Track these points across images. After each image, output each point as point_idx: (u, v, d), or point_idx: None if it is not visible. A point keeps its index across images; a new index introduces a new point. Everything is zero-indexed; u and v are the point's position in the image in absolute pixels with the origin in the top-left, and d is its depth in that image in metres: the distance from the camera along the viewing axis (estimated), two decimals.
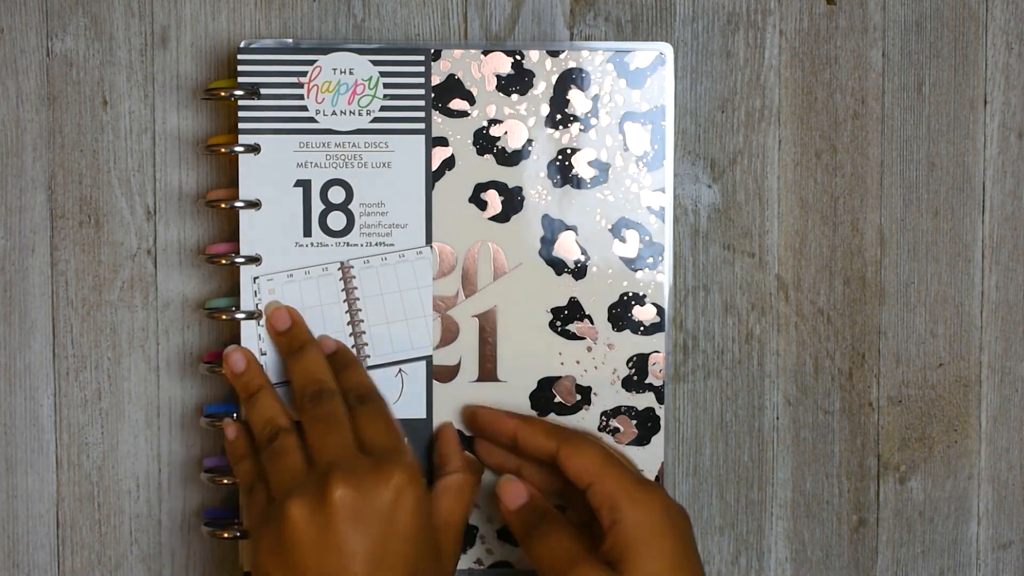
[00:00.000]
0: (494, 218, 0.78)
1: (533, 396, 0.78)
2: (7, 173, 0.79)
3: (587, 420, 0.78)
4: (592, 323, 0.78)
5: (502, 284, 0.78)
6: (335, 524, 0.68)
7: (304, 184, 0.76)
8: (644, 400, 0.78)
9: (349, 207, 0.77)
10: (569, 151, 0.78)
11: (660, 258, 0.78)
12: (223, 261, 0.76)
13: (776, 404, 0.82)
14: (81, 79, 0.79)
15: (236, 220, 0.77)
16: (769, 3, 0.81)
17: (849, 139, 0.82)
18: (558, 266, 0.78)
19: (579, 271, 0.78)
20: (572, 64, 0.77)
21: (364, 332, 0.77)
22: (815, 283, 0.82)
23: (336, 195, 0.76)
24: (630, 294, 0.78)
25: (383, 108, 0.76)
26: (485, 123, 0.77)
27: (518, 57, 0.77)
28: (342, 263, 0.77)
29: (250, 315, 0.76)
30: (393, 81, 0.76)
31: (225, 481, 0.76)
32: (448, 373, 0.78)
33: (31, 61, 0.79)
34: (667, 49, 0.77)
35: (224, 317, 0.76)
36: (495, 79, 0.77)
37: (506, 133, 0.77)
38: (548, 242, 0.78)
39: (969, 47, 0.82)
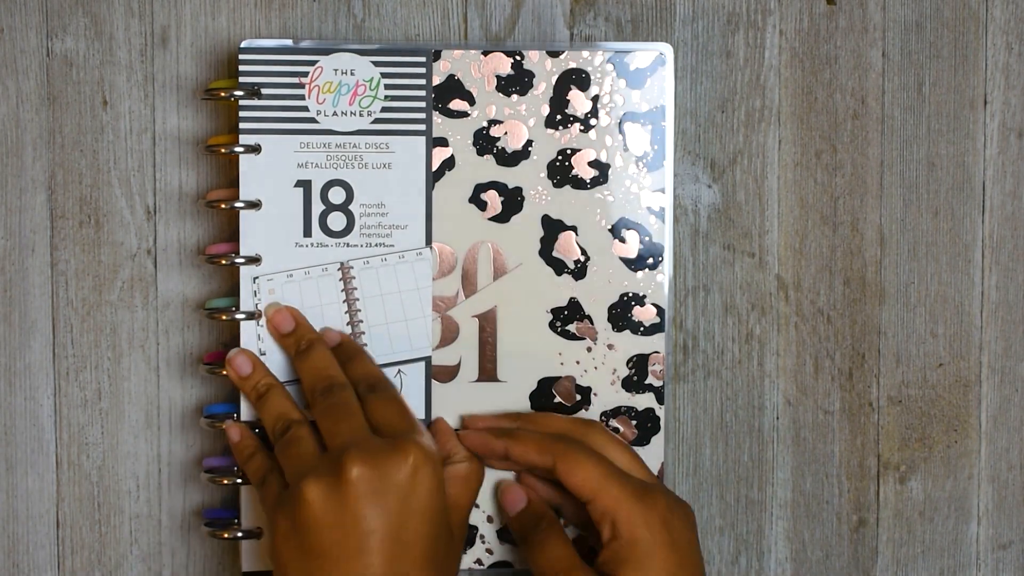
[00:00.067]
0: (494, 218, 0.78)
1: (533, 396, 0.78)
2: (7, 173, 0.79)
3: None
4: (592, 323, 0.78)
5: (502, 284, 0.78)
6: (352, 502, 0.67)
7: (304, 184, 0.76)
8: (644, 400, 0.78)
9: (349, 208, 0.77)
10: (569, 151, 0.78)
11: (660, 258, 0.78)
12: (223, 261, 0.76)
13: (776, 404, 0.82)
14: (81, 79, 0.79)
15: (236, 220, 0.77)
16: (769, 3, 0.81)
17: (849, 139, 0.82)
18: (558, 266, 0.78)
19: (579, 271, 0.78)
20: (572, 64, 0.77)
21: (364, 333, 0.77)
22: (815, 283, 0.82)
23: (336, 196, 0.76)
24: (630, 294, 0.78)
25: (384, 109, 0.76)
26: (485, 123, 0.77)
27: (518, 57, 0.77)
28: (342, 264, 0.77)
29: (250, 315, 0.76)
30: (394, 82, 0.76)
31: (225, 481, 0.76)
32: (448, 373, 0.78)
33: (31, 61, 0.79)
34: (667, 49, 0.77)
35: (224, 317, 0.76)
36: (495, 79, 0.77)
37: (506, 133, 0.77)
38: (548, 242, 0.78)
39: (969, 47, 0.82)
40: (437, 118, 0.77)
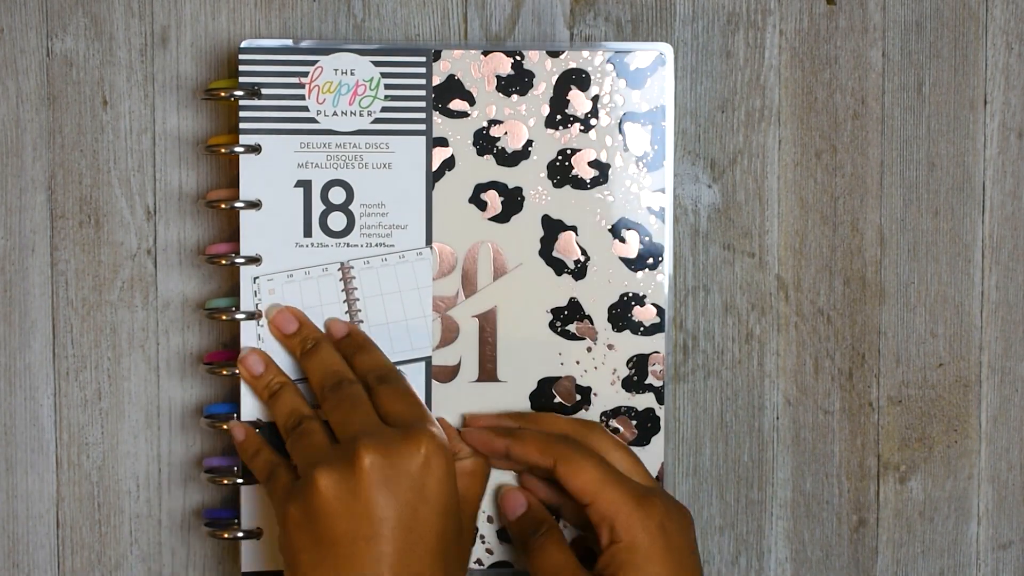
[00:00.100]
0: (494, 218, 0.78)
1: (533, 396, 0.78)
2: (7, 173, 0.79)
3: None
4: (592, 323, 0.78)
5: (502, 284, 0.78)
6: (364, 491, 0.67)
7: (305, 184, 0.76)
8: (644, 400, 0.78)
9: (349, 208, 0.77)
10: (569, 151, 0.78)
11: (660, 258, 0.78)
12: (223, 261, 0.76)
13: (776, 404, 0.82)
14: (81, 79, 0.79)
15: (236, 220, 0.77)
16: (769, 3, 0.81)
17: (849, 139, 0.82)
18: (558, 266, 0.78)
19: (579, 271, 0.78)
20: (572, 64, 0.77)
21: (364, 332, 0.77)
22: (815, 283, 0.82)
23: (337, 196, 0.76)
24: (630, 294, 0.78)
25: (384, 109, 0.76)
26: (485, 123, 0.77)
27: (518, 58, 0.77)
28: (342, 264, 0.77)
29: (250, 315, 0.76)
30: (394, 82, 0.76)
31: (225, 481, 0.76)
32: (448, 373, 0.78)
33: (31, 61, 0.79)
34: (667, 49, 0.77)
35: (224, 317, 0.76)
36: (495, 79, 0.77)
37: (506, 133, 0.77)
38: (548, 242, 0.78)
39: (969, 47, 0.82)
40: (437, 118, 0.77)
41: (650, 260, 0.78)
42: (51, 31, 0.79)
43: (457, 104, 0.77)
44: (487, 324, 0.78)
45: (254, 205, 0.76)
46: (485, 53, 0.77)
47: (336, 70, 0.76)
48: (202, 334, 0.80)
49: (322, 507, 0.67)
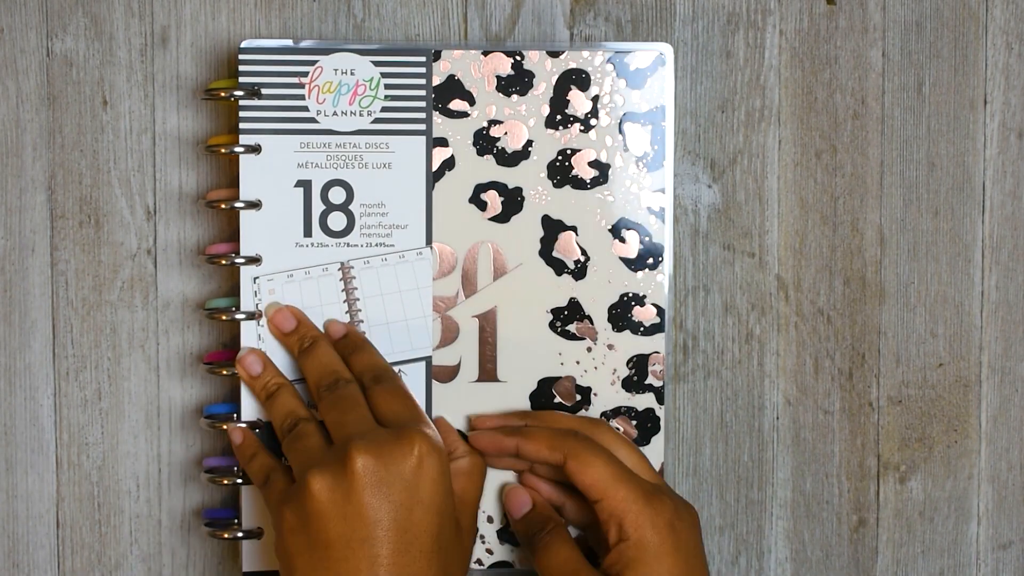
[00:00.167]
0: (494, 218, 0.78)
1: (533, 396, 0.78)
2: (7, 173, 0.79)
3: None
4: (592, 323, 0.78)
5: (502, 284, 0.78)
6: (358, 493, 0.67)
7: (305, 184, 0.76)
8: (644, 400, 0.78)
9: (349, 207, 0.77)
10: (569, 151, 0.78)
11: (660, 258, 0.78)
12: (223, 261, 0.76)
13: (776, 404, 0.82)
14: (81, 79, 0.79)
15: (236, 220, 0.77)
16: (769, 3, 0.81)
17: (849, 139, 0.82)
18: (558, 266, 0.78)
19: (579, 271, 0.78)
20: (572, 64, 0.77)
21: (364, 332, 0.77)
22: (815, 283, 0.82)
23: (337, 195, 0.76)
24: (630, 294, 0.78)
25: (384, 109, 0.76)
26: (485, 124, 0.77)
27: (518, 58, 0.77)
28: (342, 263, 0.77)
29: (250, 315, 0.76)
30: (394, 82, 0.76)
31: (225, 481, 0.76)
32: (448, 373, 0.78)
33: (31, 61, 0.79)
34: (667, 49, 0.77)
35: (224, 317, 0.76)
36: (495, 80, 0.77)
37: (506, 134, 0.77)
38: (548, 242, 0.78)
39: (969, 47, 0.82)
40: (437, 118, 0.77)
41: (650, 260, 0.78)
42: (51, 31, 0.79)
43: (457, 104, 0.77)
44: (487, 324, 0.78)
45: (254, 205, 0.76)
46: (485, 53, 0.77)
47: (336, 70, 0.76)
48: (202, 334, 0.80)
49: (315, 510, 0.68)
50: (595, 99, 0.77)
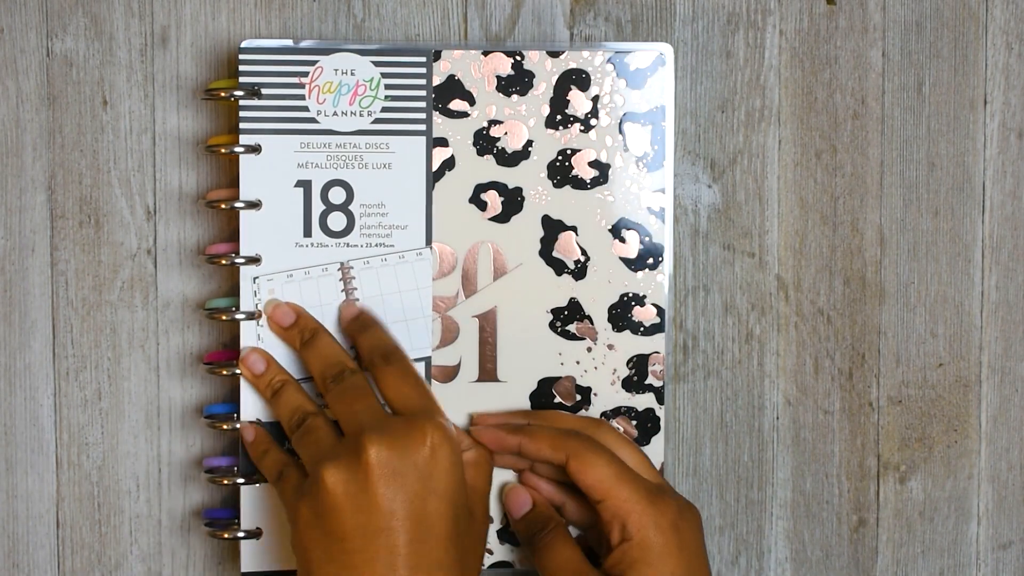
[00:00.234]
0: (494, 218, 0.78)
1: (533, 396, 0.78)
2: (7, 173, 0.79)
3: None
4: (592, 323, 0.78)
5: (502, 284, 0.78)
6: (372, 484, 0.67)
7: (305, 184, 0.76)
8: (644, 400, 0.78)
9: (349, 208, 0.77)
10: (569, 152, 0.78)
11: (660, 258, 0.78)
12: (223, 261, 0.76)
13: (776, 404, 0.82)
14: (81, 79, 0.79)
15: (236, 220, 0.77)
16: (769, 3, 0.81)
17: (849, 139, 0.82)
18: (558, 266, 0.78)
19: (579, 271, 0.78)
20: (572, 64, 0.77)
21: None
22: (815, 283, 0.82)
23: (336, 196, 0.76)
24: (630, 294, 0.78)
25: (384, 109, 0.76)
26: (485, 124, 0.77)
27: (518, 58, 0.77)
28: (342, 264, 0.77)
29: (250, 315, 0.76)
30: (394, 82, 0.76)
31: (225, 481, 0.76)
32: (448, 374, 0.78)
33: (31, 61, 0.79)
34: (667, 49, 0.77)
35: (224, 317, 0.76)
36: (495, 79, 0.77)
37: (506, 134, 0.77)
38: (548, 242, 0.78)
39: (969, 47, 0.82)
40: (437, 118, 0.77)
41: (650, 260, 0.78)
42: (51, 31, 0.79)
43: (457, 104, 0.77)
44: (487, 324, 0.78)
45: (254, 205, 0.76)
46: (485, 53, 0.77)
47: (336, 70, 0.76)
48: (202, 334, 0.80)
49: (331, 503, 0.68)
50: (595, 99, 0.77)
